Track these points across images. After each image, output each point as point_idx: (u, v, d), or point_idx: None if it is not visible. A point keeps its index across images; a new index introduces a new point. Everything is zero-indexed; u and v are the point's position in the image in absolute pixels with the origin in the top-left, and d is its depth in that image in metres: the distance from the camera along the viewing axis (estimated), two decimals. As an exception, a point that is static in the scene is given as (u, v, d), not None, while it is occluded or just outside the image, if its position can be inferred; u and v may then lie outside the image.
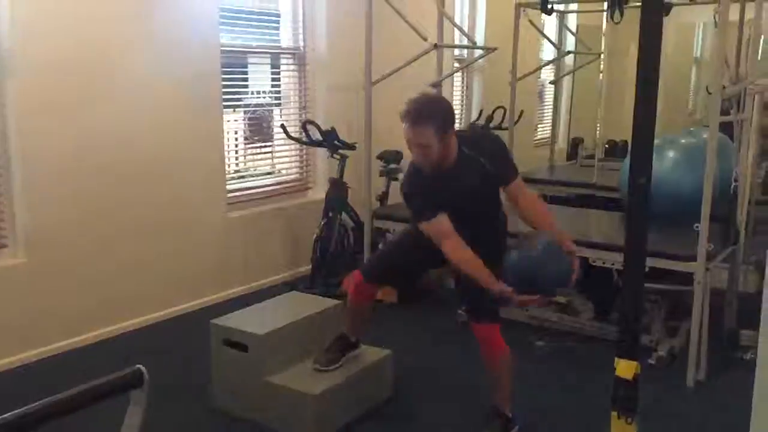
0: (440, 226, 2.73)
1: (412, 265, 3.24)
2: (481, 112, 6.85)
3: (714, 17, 3.53)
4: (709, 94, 3.51)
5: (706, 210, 3.38)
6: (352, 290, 3.18)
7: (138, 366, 1.47)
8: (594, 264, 3.76)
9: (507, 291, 2.63)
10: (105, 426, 1.69)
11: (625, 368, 1.67)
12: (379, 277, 3.19)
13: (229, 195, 4.86)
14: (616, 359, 1.72)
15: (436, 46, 4.53)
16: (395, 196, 5.12)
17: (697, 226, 3.40)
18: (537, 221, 2.88)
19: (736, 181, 3.72)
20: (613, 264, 3.70)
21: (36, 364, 3.70)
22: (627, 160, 4.65)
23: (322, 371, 3.13)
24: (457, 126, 2.83)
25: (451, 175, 2.78)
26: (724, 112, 3.76)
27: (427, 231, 2.78)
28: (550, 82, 7.96)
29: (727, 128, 4.00)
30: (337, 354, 3.21)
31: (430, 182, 2.78)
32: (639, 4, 1.63)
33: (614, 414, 1.72)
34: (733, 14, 3.90)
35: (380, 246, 4.45)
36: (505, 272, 2.67)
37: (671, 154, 4.22)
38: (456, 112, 7.13)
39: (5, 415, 1.20)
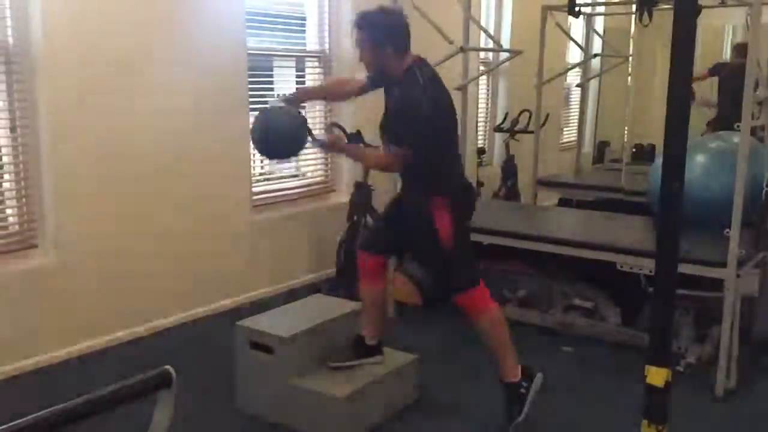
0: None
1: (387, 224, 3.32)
2: (506, 115, 6.82)
3: (746, 19, 3.47)
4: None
5: (737, 215, 3.33)
6: (360, 270, 3.23)
7: (166, 367, 1.48)
8: (621, 269, 3.72)
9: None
10: (133, 427, 1.70)
11: (656, 375, 1.64)
12: (375, 244, 3.24)
13: (255, 197, 4.88)
14: (646, 366, 1.69)
15: (461, 49, 4.51)
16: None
17: (727, 232, 3.35)
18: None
19: (767, 185, 3.66)
20: (641, 269, 3.65)
21: (64, 364, 3.74)
22: (655, 164, 4.63)
23: (332, 368, 3.14)
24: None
25: (388, 87, 3.02)
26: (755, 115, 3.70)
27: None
28: (576, 86, 7.90)
29: (758, 132, 3.95)
30: (350, 356, 3.21)
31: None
32: (668, 6, 1.60)
33: (645, 422, 1.69)
34: (765, 16, 3.84)
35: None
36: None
37: (701, 158, 4.16)
38: (481, 115, 7.16)
39: (33, 415, 1.21)
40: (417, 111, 2.86)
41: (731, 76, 5.73)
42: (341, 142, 3.21)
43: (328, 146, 3.21)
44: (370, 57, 2.95)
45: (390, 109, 2.99)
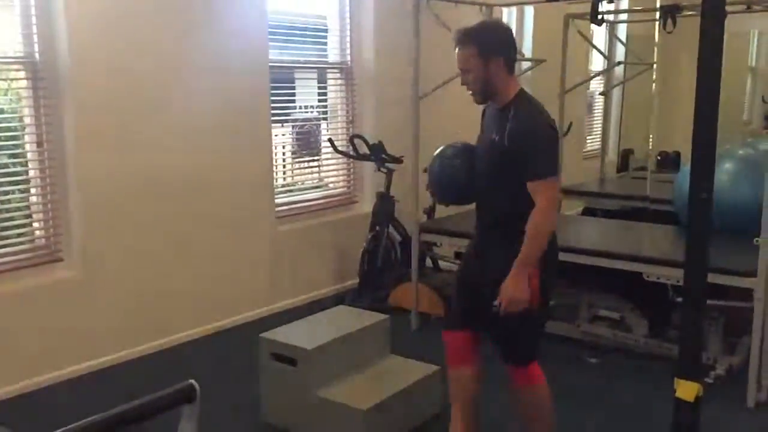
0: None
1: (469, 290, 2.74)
2: (529, 124, 6.77)
3: (773, 25, 3.42)
4: (766, 103, 3.39)
5: (766, 223, 3.27)
6: (447, 355, 2.74)
7: (191, 381, 1.47)
8: (648, 279, 3.66)
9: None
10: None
11: (687, 389, 1.61)
12: (456, 322, 2.73)
13: (278, 209, 4.89)
14: (675, 380, 1.66)
15: (483, 58, 4.49)
16: (443, 210, 5.09)
17: (757, 240, 3.28)
18: None
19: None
20: (668, 280, 3.59)
21: (89, 377, 3.77)
22: (681, 171, 4.57)
23: None
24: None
25: (491, 116, 2.60)
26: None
27: (550, 190, 2.47)
28: (599, 93, 7.84)
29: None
30: None
31: (488, 110, 2.68)
32: (692, 13, 1.58)
33: (675, 437, 1.66)
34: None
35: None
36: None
37: (729, 165, 4.10)
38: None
39: (58, 431, 1.21)
40: (549, 139, 2.50)
41: None
42: (515, 286, 2.43)
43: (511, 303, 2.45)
44: (477, 75, 2.50)
45: (504, 139, 2.48)
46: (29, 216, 3.79)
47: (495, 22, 2.68)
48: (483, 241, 2.68)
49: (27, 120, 3.67)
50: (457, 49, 2.54)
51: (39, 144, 3.69)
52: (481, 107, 2.72)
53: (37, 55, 3.61)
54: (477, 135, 2.75)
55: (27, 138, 3.69)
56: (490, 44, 2.49)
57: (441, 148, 2.90)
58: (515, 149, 2.44)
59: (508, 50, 2.54)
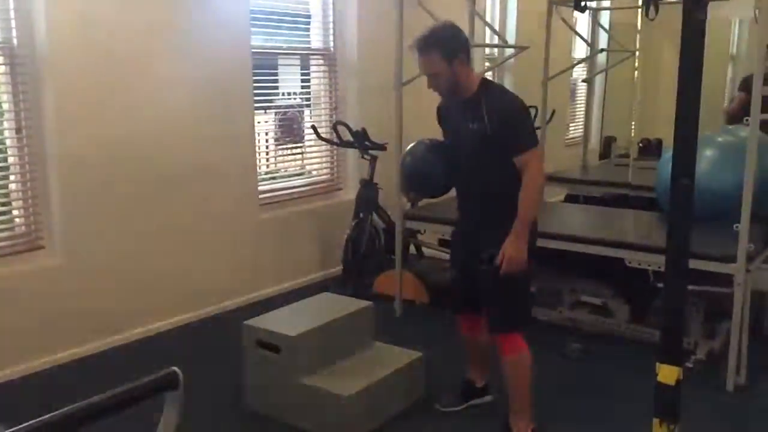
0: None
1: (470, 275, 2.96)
2: (512, 111, 6.78)
3: (754, 12, 3.44)
4: (740, 92, 3.42)
5: (746, 210, 3.30)
6: (461, 329, 3.17)
7: (173, 368, 1.47)
8: (630, 265, 3.70)
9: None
10: (140, 428, 1.69)
11: (668, 374, 1.62)
12: (459, 306, 3.11)
13: (261, 196, 4.88)
14: (657, 364, 1.67)
15: (467, 45, 4.49)
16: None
17: (737, 227, 3.32)
18: None
19: (777, 180, 3.63)
20: (649, 265, 3.62)
21: (71, 365, 3.75)
22: (663, 158, 4.60)
23: (442, 410, 3.21)
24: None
25: (459, 109, 2.79)
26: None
27: (535, 158, 2.70)
28: (582, 81, 7.87)
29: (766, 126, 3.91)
30: (460, 399, 3.22)
31: (443, 113, 2.93)
32: (674, 0, 1.59)
33: (656, 421, 1.67)
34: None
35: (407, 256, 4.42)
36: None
37: (709, 152, 4.13)
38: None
39: (39, 419, 1.21)
40: (524, 112, 2.75)
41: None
42: (512, 242, 2.67)
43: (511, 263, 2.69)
44: (445, 77, 2.71)
45: (480, 125, 2.69)
46: (8, 204, 3.74)
47: (445, 25, 2.83)
48: (473, 224, 2.88)
49: (5, 106, 3.62)
50: (419, 56, 2.73)
51: (18, 130, 3.64)
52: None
53: (14, 40, 3.56)
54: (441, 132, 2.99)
55: (6, 124, 3.64)
56: (450, 46, 2.69)
57: (411, 145, 3.06)
58: (497, 130, 2.66)
59: (465, 47, 2.75)
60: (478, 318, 3.00)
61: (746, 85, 5.40)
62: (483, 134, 2.69)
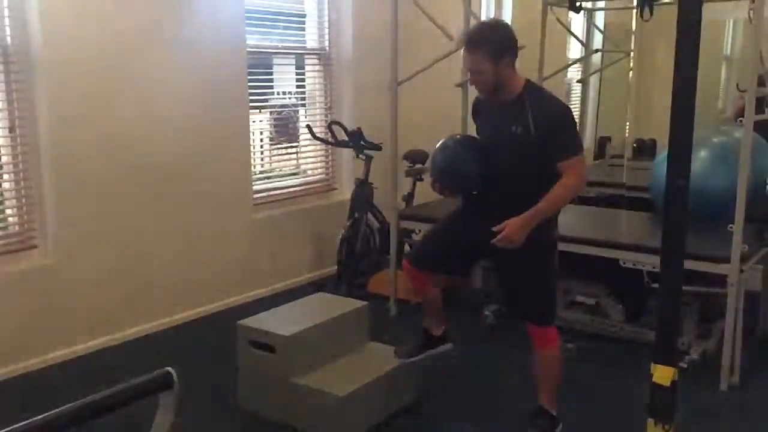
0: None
1: (458, 247, 2.97)
2: (507, 111, 6.78)
3: (749, 13, 3.45)
4: (741, 91, 3.43)
5: (740, 210, 3.31)
6: (408, 277, 3.10)
7: (168, 368, 1.46)
8: (624, 265, 3.70)
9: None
10: (135, 428, 1.69)
11: (663, 374, 1.63)
12: (426, 261, 3.00)
13: (255, 195, 4.87)
14: (652, 365, 1.68)
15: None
16: (421, 197, 5.10)
17: (731, 227, 3.33)
18: None
19: (770, 180, 3.64)
20: (644, 266, 3.63)
21: (65, 364, 3.73)
22: (657, 159, 4.61)
23: (401, 361, 3.18)
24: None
25: (500, 110, 2.75)
26: (759, 110, 3.67)
27: (579, 164, 2.70)
28: (577, 81, 7.88)
29: (759, 127, 3.92)
30: (419, 349, 3.19)
31: (480, 108, 2.86)
32: (669, 1, 1.59)
33: (651, 421, 1.68)
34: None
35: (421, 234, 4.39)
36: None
37: (703, 153, 4.14)
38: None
39: (33, 419, 1.20)
40: (571, 118, 2.77)
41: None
42: (521, 221, 2.65)
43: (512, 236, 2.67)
44: (490, 77, 2.67)
45: (524, 129, 2.65)
46: (2, 203, 3.73)
47: (496, 22, 2.84)
48: (499, 218, 2.70)
49: (-1, 105, 3.61)
50: (465, 53, 2.68)
51: (11, 129, 3.63)
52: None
53: (8, 39, 3.54)
54: (477, 131, 2.95)
55: (-1, 123, 3.63)
56: (499, 46, 2.65)
57: (442, 140, 2.96)
58: (543, 135, 2.63)
59: (514, 49, 2.70)
60: (433, 274, 3.03)
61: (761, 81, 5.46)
62: (526, 138, 2.65)
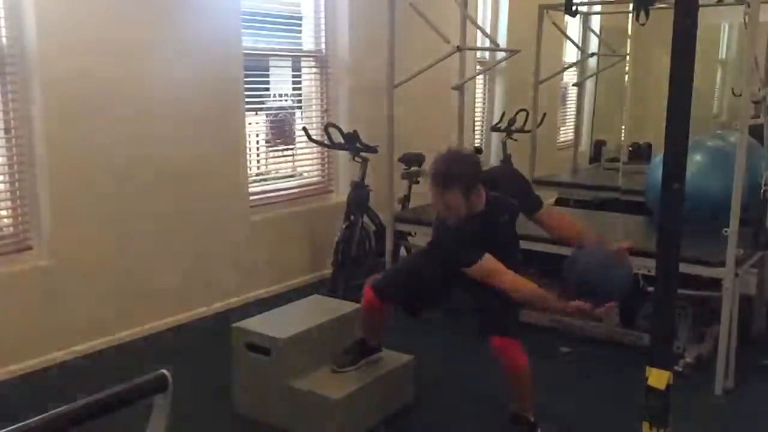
0: (491, 264, 2.77)
1: (426, 289, 3.12)
2: (503, 114, 6.81)
3: (744, 18, 3.46)
4: (736, 96, 3.45)
5: (735, 214, 3.32)
6: (364, 301, 3.13)
7: (162, 370, 1.46)
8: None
9: (583, 306, 2.62)
10: (128, 431, 1.68)
11: (658, 378, 1.63)
12: (390, 296, 3.09)
13: (252, 198, 4.86)
14: (647, 368, 1.68)
15: (458, 48, 4.50)
16: (417, 199, 5.10)
17: (726, 231, 3.33)
18: (574, 235, 2.98)
19: (765, 184, 3.65)
20: (639, 269, 3.63)
21: (59, 367, 3.72)
22: (653, 162, 4.61)
23: (338, 372, 3.14)
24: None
25: (484, 218, 2.84)
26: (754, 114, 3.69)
27: (479, 272, 2.78)
28: (573, 85, 7.89)
29: (755, 131, 3.93)
30: (356, 356, 3.20)
31: (468, 227, 2.82)
32: (665, 5, 1.59)
33: (646, 425, 1.68)
34: (763, 15, 3.83)
35: (398, 258, 4.41)
36: (568, 286, 2.67)
37: (699, 157, 4.15)
38: (478, 114, 7.16)
39: (26, 422, 1.19)
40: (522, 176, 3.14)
41: None
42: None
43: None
44: (459, 207, 2.77)
45: (505, 222, 2.94)
46: (-4, 204, 3.72)
47: (462, 158, 2.88)
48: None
49: (-6, 106, 3.60)
50: (436, 190, 2.74)
51: (6, 130, 3.62)
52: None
53: (4, 40, 3.53)
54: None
55: (-6, 125, 3.62)
56: (472, 182, 2.74)
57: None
58: (521, 202, 2.97)
59: (479, 176, 2.81)
60: (390, 307, 3.13)
61: None
62: (515, 212, 2.98)
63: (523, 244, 4.05)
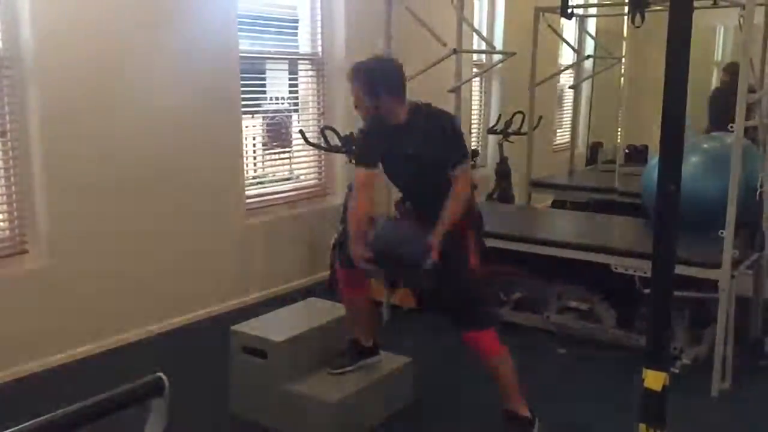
0: (364, 177, 2.88)
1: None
2: (500, 117, 6.81)
3: (739, 20, 3.47)
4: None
5: (731, 216, 3.32)
6: (343, 287, 3.14)
7: (159, 374, 1.45)
8: (616, 271, 3.71)
9: (364, 256, 2.77)
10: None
11: (654, 379, 1.63)
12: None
13: (248, 201, 4.86)
14: (644, 370, 1.68)
15: (455, 51, 4.49)
16: (414, 202, 5.09)
17: (722, 233, 3.34)
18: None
19: (761, 186, 3.65)
20: (636, 271, 3.64)
21: (55, 370, 3.71)
22: (649, 164, 4.62)
23: (334, 374, 3.12)
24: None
25: (397, 132, 2.89)
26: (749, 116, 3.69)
27: (356, 175, 2.92)
28: (569, 87, 7.91)
29: (750, 133, 3.95)
30: (351, 357, 3.19)
31: (373, 129, 2.95)
32: (660, 8, 1.60)
33: (643, 426, 1.68)
34: (758, 17, 3.84)
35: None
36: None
37: (694, 158, 4.16)
38: (475, 117, 7.16)
39: (21, 426, 1.19)
40: (457, 126, 2.98)
41: (718, 94, 5.80)
42: (436, 238, 2.78)
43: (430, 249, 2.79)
44: (367, 106, 2.90)
45: (414, 145, 2.84)
46: (-7, 207, 3.71)
47: (376, 64, 2.95)
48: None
49: (-10, 109, 3.60)
50: (349, 83, 2.90)
51: (2, 134, 3.61)
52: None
53: (0, 43, 3.53)
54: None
55: (-10, 128, 3.61)
56: (372, 87, 2.84)
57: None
58: (438, 146, 2.84)
59: (388, 88, 2.87)
60: (362, 276, 3.07)
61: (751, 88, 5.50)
62: (430, 153, 2.88)
63: (521, 246, 4.11)
